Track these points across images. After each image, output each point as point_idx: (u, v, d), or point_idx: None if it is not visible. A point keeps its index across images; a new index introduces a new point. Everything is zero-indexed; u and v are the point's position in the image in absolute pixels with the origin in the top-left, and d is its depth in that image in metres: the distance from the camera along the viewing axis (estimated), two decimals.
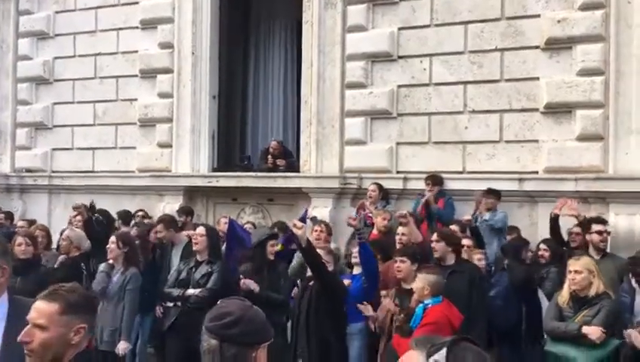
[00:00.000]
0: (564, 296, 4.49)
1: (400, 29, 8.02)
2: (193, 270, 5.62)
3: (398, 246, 6.02)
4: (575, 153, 7.08)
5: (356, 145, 8.19)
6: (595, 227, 5.90)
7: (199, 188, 8.96)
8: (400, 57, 8.05)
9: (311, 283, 4.85)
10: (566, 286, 4.51)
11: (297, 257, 6.15)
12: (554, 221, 6.17)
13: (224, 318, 1.86)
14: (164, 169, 9.28)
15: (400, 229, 6.12)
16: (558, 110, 7.22)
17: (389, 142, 8.06)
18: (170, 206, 8.90)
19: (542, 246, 6.23)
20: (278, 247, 6.02)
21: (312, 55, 8.43)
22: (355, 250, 5.69)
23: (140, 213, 8.72)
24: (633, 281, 5.13)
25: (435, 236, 5.31)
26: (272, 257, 5.70)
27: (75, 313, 2.14)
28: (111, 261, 5.65)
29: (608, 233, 5.85)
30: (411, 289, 5.10)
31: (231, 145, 9.62)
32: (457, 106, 7.74)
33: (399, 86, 8.03)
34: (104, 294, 5.46)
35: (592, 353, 4.20)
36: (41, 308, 2.12)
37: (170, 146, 9.28)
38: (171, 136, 9.28)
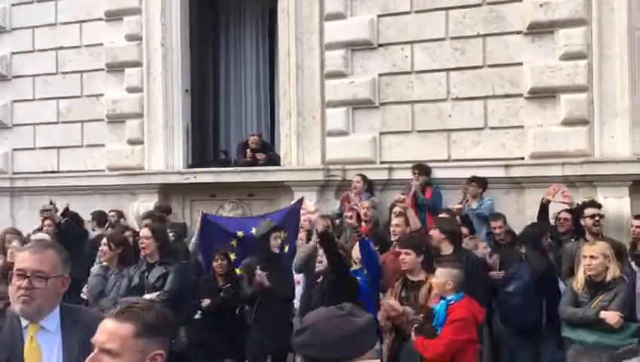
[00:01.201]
0: (579, 282, 4.43)
1: (379, 16, 7.85)
2: (146, 274, 5.27)
3: (393, 237, 5.90)
4: (561, 138, 7.08)
5: (338, 136, 8.00)
6: (588, 211, 5.89)
7: (175, 185, 8.61)
8: (380, 45, 7.89)
9: (319, 279, 4.63)
10: (581, 271, 4.44)
11: (301, 252, 5.93)
12: (544, 207, 6.13)
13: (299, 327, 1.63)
14: (136, 166, 8.88)
15: (394, 220, 6.00)
16: (543, 95, 7.20)
17: (372, 132, 7.91)
18: (145, 205, 8.55)
19: None
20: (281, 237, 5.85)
21: (289, 44, 8.18)
22: (356, 247, 5.52)
23: (113, 214, 8.36)
24: (633, 264, 5.14)
25: (436, 232, 5.17)
26: (276, 250, 5.48)
27: (152, 336, 1.77)
28: (105, 263, 5.31)
29: (602, 216, 5.85)
30: (418, 281, 4.96)
31: (205, 140, 9.29)
32: (440, 94, 7.64)
33: (380, 74, 7.87)
34: (102, 297, 5.12)
35: (611, 337, 4.14)
36: (111, 330, 1.75)
37: (142, 143, 8.89)
38: (142, 132, 8.88)
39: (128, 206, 8.74)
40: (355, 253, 5.40)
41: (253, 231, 5.99)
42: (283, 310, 5.46)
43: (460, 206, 6.70)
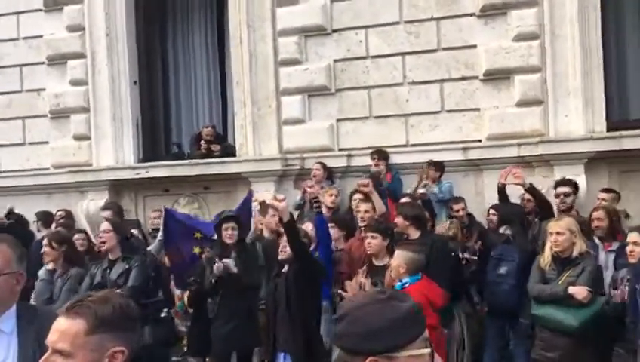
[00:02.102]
0: (546, 259, 4.41)
1: (332, 1, 7.71)
2: (108, 271, 5.05)
3: (361, 222, 5.81)
4: (516, 118, 7.13)
5: (295, 124, 7.83)
6: (558, 190, 5.95)
7: (126, 181, 8.26)
8: (334, 31, 7.75)
9: (284, 269, 4.47)
10: (547, 248, 4.43)
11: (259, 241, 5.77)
12: (501, 191, 6.11)
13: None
14: (84, 163, 8.48)
15: (361, 206, 5.90)
16: (497, 77, 7.22)
17: (329, 120, 7.78)
18: (95, 203, 8.20)
19: (491, 211, 6.21)
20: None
21: (240, 32, 7.94)
22: (306, 227, 5.37)
23: (61, 214, 7.95)
24: (596, 239, 5.19)
25: (400, 219, 5.09)
26: (228, 241, 5.27)
27: (108, 331, 1.58)
28: (50, 266, 4.98)
29: (567, 195, 5.88)
30: (384, 265, 4.90)
31: (156, 134, 8.93)
32: (397, 78, 7.57)
33: (335, 60, 7.74)
34: (50, 304, 4.79)
35: (579, 312, 4.15)
36: (63, 328, 1.57)
37: (89, 138, 8.49)
38: (89, 127, 8.48)
39: (76, 205, 8.34)
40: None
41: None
42: (248, 302, 5.27)
43: (424, 191, 6.64)
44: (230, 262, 5.10)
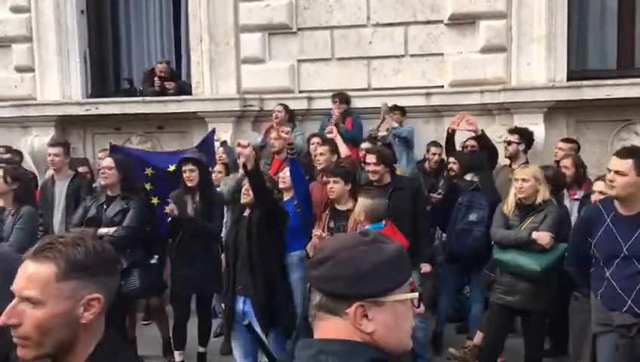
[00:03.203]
0: (509, 205, 4.44)
1: None
2: (104, 207, 4.85)
3: (318, 166, 5.71)
4: (479, 65, 7.08)
5: (254, 63, 7.55)
6: (507, 137, 5.99)
7: (74, 117, 7.83)
8: None
9: (246, 213, 4.34)
10: (512, 194, 4.45)
11: (225, 184, 5.59)
12: (450, 136, 6.07)
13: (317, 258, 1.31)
14: (28, 97, 7.97)
15: (319, 149, 5.79)
16: (463, 22, 7.12)
17: (289, 60, 7.53)
18: (40, 139, 7.79)
19: (451, 159, 6.20)
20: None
21: None
22: (283, 174, 5.26)
23: (2, 150, 7.49)
24: None
25: (372, 159, 4.97)
26: (190, 183, 5.09)
27: (82, 277, 1.43)
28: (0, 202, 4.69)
29: (510, 143, 5.89)
30: (347, 210, 4.84)
31: (105, 68, 8.45)
32: (361, 19, 7.36)
33: None
34: None
35: (541, 257, 4.22)
36: (30, 273, 1.40)
37: (33, 70, 7.96)
38: (32, 58, 7.94)
39: (20, 141, 7.88)
40: (283, 184, 5.15)
41: (171, 168, 5.55)
42: (208, 246, 5.14)
43: (385, 134, 6.57)
44: (175, 207, 4.99)
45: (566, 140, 6.06)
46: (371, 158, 5.00)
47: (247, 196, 4.35)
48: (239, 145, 4.02)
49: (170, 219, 5.15)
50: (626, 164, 3.31)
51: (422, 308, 1.31)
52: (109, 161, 4.98)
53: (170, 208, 5.03)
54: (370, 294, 1.24)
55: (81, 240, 1.46)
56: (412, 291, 1.31)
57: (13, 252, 3.78)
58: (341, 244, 1.29)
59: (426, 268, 4.95)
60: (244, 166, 4.07)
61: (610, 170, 3.39)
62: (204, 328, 5.39)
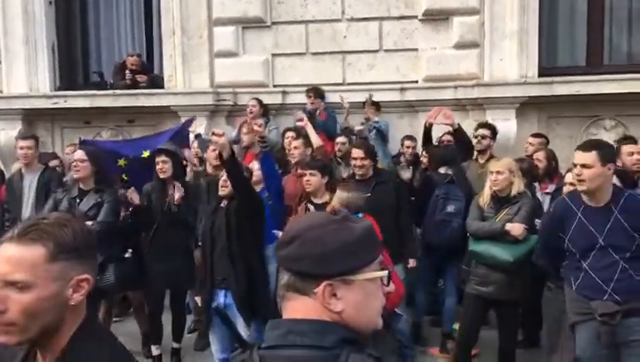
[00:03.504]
0: (485, 197, 4.48)
1: None
2: (77, 200, 4.73)
3: (292, 159, 5.69)
4: (453, 61, 7.14)
5: (228, 57, 7.48)
6: (477, 132, 6.04)
7: (41, 110, 7.63)
8: None
9: (222, 203, 4.28)
10: (487, 186, 4.49)
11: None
12: (427, 130, 6.12)
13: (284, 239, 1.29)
14: None
15: (293, 143, 5.77)
16: (437, 17, 7.16)
17: (264, 54, 7.47)
18: (6, 133, 7.61)
19: (423, 153, 6.24)
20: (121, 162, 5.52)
21: None
22: (256, 166, 5.21)
23: None
24: None
25: (360, 153, 4.96)
26: (162, 175, 5.00)
27: (70, 258, 1.39)
28: None
29: (484, 137, 5.96)
30: (323, 203, 4.82)
31: (74, 61, 8.26)
32: (335, 14, 7.35)
33: None
34: None
35: (514, 249, 4.27)
36: (16, 257, 1.34)
37: None
38: None
39: None
40: (255, 177, 5.11)
41: (145, 154, 5.45)
42: (183, 239, 5.07)
43: (362, 128, 6.58)
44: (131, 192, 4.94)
45: (535, 135, 6.17)
46: (359, 153, 4.99)
47: (225, 188, 4.30)
48: (214, 133, 3.97)
49: (130, 208, 5.07)
50: (591, 156, 3.36)
51: (391, 286, 1.30)
52: (80, 154, 4.85)
53: (129, 195, 4.96)
54: (339, 273, 1.22)
55: (67, 221, 1.42)
56: (382, 270, 1.29)
57: None
58: (309, 223, 1.27)
59: (412, 262, 4.98)
60: (220, 155, 4.02)
61: (575, 165, 3.43)
62: (178, 324, 5.32)
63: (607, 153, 3.43)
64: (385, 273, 1.29)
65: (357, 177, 5.01)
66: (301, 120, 5.95)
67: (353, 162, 5.05)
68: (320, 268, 1.22)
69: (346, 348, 1.18)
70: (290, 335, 1.20)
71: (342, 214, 1.32)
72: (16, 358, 1.50)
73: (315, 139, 5.73)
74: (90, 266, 1.45)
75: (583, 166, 3.37)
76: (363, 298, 1.24)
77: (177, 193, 4.93)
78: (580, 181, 3.40)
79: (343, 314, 1.22)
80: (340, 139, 6.50)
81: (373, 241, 1.29)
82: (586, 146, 3.48)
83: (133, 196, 5.02)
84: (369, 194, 4.63)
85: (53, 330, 1.38)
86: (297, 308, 1.24)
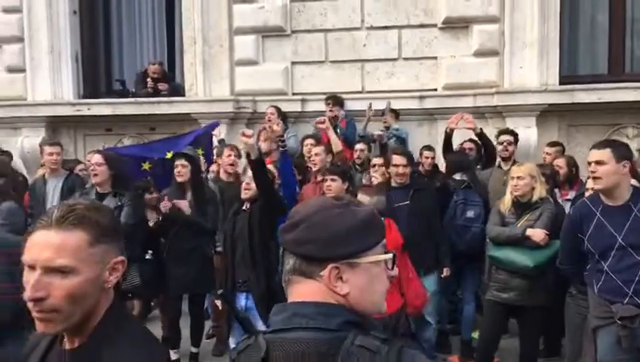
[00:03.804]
0: (506, 203, 4.45)
1: None
2: None
3: (313, 167, 5.71)
4: (473, 69, 7.12)
5: (248, 65, 7.55)
6: (501, 138, 6.03)
7: (65, 118, 7.77)
8: None
9: (245, 206, 4.31)
10: (508, 192, 4.46)
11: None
12: (448, 136, 6.10)
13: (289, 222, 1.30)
14: (18, 97, 7.90)
15: (313, 150, 5.81)
16: (456, 25, 7.17)
17: (283, 62, 7.53)
18: (30, 140, 7.72)
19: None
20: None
21: None
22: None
23: None
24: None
25: (403, 160, 4.93)
26: (180, 179, 5.05)
27: (109, 241, 1.42)
28: None
29: (510, 143, 5.96)
30: None
31: (97, 69, 8.40)
32: (355, 22, 7.39)
33: (292, 0, 7.45)
34: None
35: (536, 254, 4.22)
36: (58, 242, 1.34)
37: (24, 71, 7.89)
38: (24, 58, 7.88)
39: (10, 141, 7.78)
40: None
41: (169, 155, 5.51)
42: (202, 245, 5.09)
43: (381, 133, 6.58)
44: (183, 203, 4.95)
45: (551, 144, 6.18)
46: (401, 160, 4.94)
47: (248, 191, 4.32)
48: (243, 134, 4.00)
49: (161, 216, 5.11)
50: (605, 154, 3.36)
51: (395, 271, 1.33)
52: (98, 158, 4.91)
53: (164, 205, 4.99)
54: (345, 256, 1.24)
55: (100, 206, 1.47)
56: (386, 253, 1.31)
57: None
58: (314, 208, 1.29)
59: (446, 271, 4.97)
60: (248, 155, 4.06)
61: (590, 163, 3.42)
62: (197, 328, 5.34)
63: (622, 150, 3.41)
64: (390, 256, 1.32)
65: (395, 184, 4.98)
66: (322, 122, 5.96)
67: (394, 169, 4.96)
68: (326, 252, 1.24)
69: (352, 330, 1.19)
70: (296, 317, 1.22)
71: (345, 199, 1.34)
72: (40, 345, 1.52)
73: (336, 142, 5.75)
74: (122, 249, 1.48)
75: (598, 163, 3.36)
76: (368, 281, 1.26)
77: (163, 208, 4.97)
78: (595, 178, 3.39)
79: (349, 297, 1.24)
80: (359, 146, 6.49)
81: (377, 225, 1.32)
82: (600, 145, 3.49)
83: (167, 205, 5.01)
84: (408, 202, 4.61)
85: (90, 314, 1.40)
86: (303, 291, 1.25)
